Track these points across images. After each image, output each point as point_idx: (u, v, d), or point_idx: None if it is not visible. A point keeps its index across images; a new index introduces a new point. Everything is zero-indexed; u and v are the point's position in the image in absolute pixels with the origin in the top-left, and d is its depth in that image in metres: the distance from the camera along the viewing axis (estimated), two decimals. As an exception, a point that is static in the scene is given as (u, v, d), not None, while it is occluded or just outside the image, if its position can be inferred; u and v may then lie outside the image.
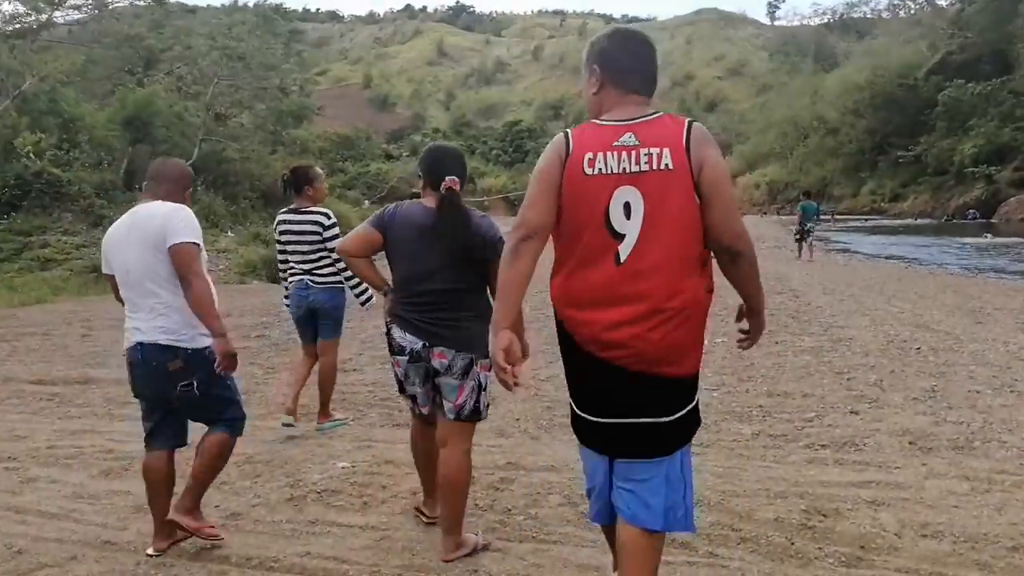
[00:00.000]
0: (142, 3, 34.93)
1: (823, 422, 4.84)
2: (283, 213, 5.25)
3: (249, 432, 4.90)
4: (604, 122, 2.45)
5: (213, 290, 3.37)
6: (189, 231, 3.32)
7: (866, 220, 45.20)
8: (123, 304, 3.45)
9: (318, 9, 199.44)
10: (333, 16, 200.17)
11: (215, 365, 3.32)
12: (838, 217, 44.81)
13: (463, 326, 3.18)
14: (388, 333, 3.32)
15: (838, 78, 62.38)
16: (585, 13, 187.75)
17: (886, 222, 42.30)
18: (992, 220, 37.32)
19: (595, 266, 2.37)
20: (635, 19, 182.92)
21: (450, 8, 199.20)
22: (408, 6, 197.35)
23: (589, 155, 2.37)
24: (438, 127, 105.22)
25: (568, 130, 2.47)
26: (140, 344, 3.34)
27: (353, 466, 4.47)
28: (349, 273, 5.00)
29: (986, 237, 27.96)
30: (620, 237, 2.34)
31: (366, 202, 51.41)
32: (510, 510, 3.72)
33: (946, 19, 55.22)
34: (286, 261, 5.26)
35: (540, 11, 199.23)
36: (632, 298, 2.32)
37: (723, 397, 5.53)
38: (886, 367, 6.23)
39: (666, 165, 2.31)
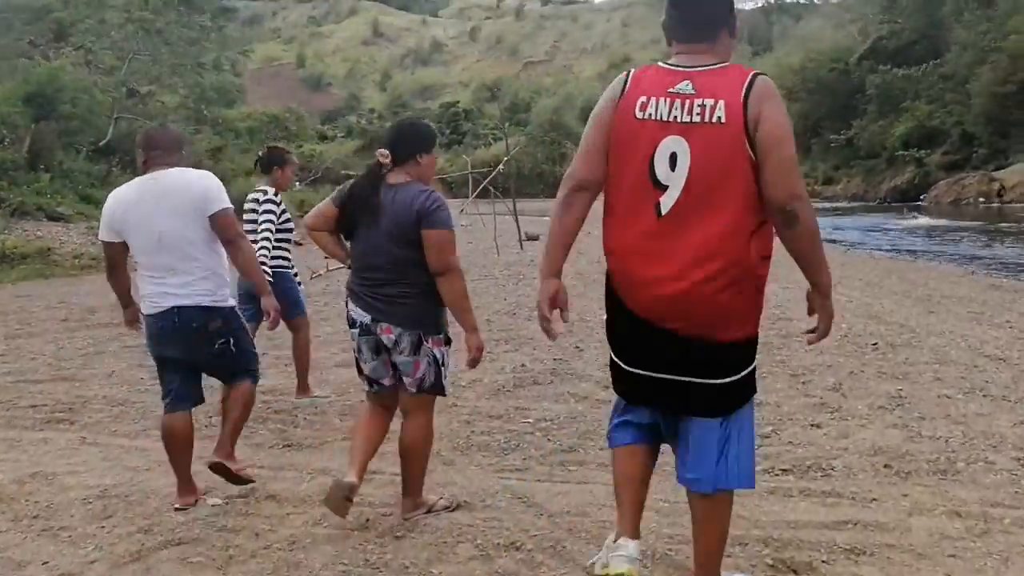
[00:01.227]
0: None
1: (781, 438, 4.20)
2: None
3: (117, 455, 4.45)
4: (666, 65, 2.39)
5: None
6: (226, 198, 3.55)
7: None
8: (112, 271, 3.74)
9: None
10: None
11: (269, 321, 3.86)
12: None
13: (407, 302, 3.17)
14: (346, 306, 3.37)
15: (772, 62, 62.73)
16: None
17: (821, 205, 42.57)
18: (921, 203, 37.76)
19: (635, 215, 2.32)
20: (573, 1, 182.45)
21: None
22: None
23: (642, 99, 2.32)
24: (373, 107, 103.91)
25: (632, 69, 2.43)
26: (177, 308, 3.48)
27: (225, 503, 3.68)
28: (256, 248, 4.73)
29: (915, 218, 28.17)
30: (663, 188, 2.28)
31: (297, 184, 49.81)
32: (407, 568, 2.97)
33: (877, 5, 55.96)
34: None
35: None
36: (671, 254, 2.26)
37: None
38: (844, 367, 5.64)
39: (718, 119, 2.23)
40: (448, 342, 3.35)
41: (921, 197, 38.41)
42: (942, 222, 27.00)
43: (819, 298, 2.36)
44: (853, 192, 46.43)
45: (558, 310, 2.51)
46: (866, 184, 46.14)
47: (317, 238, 3.42)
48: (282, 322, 4.58)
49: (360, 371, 3.42)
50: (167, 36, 28.32)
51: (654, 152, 2.29)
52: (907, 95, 44.40)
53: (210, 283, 3.53)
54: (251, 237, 4.76)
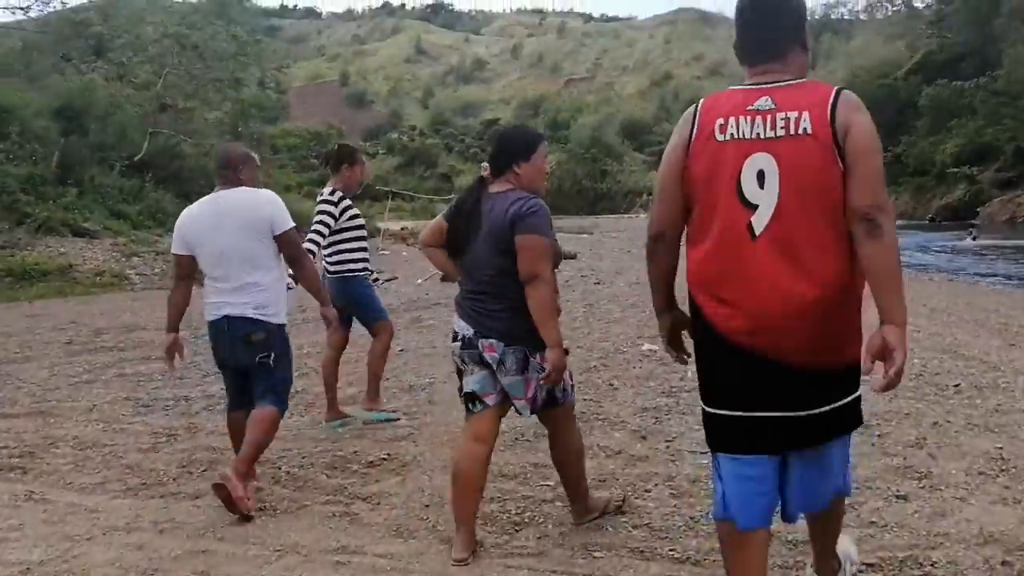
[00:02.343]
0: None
1: (861, 515, 3.36)
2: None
3: (61, 517, 3.83)
4: (740, 86, 2.34)
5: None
6: (289, 219, 3.84)
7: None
8: (177, 282, 4.04)
9: (295, 6, 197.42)
10: (310, 13, 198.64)
11: (286, 342, 3.98)
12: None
13: (506, 316, 3.07)
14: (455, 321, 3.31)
15: (818, 78, 61.38)
16: (565, 12, 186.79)
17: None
18: (975, 221, 36.31)
19: (728, 242, 2.24)
20: (614, 18, 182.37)
21: (428, 6, 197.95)
22: (386, 3, 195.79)
23: (720, 120, 2.26)
24: (415, 124, 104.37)
25: (699, 101, 2.37)
26: (228, 317, 3.80)
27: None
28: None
29: (970, 237, 26.87)
30: (752, 208, 2.20)
31: (335, 200, 49.70)
32: None
33: (924, 20, 54.63)
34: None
35: (519, 9, 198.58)
36: (774, 280, 2.17)
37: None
38: (925, 416, 4.78)
39: (804, 130, 2.16)
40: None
41: (975, 216, 37.00)
42: (999, 241, 25.74)
43: (894, 330, 2.08)
44: (902, 210, 45.04)
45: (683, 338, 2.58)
46: (915, 202, 44.79)
47: (431, 254, 3.42)
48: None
49: (461, 391, 3.27)
50: (203, 51, 28.08)
51: (740, 171, 2.21)
52: (959, 110, 42.97)
53: (260, 298, 3.81)
54: (334, 238, 4.97)
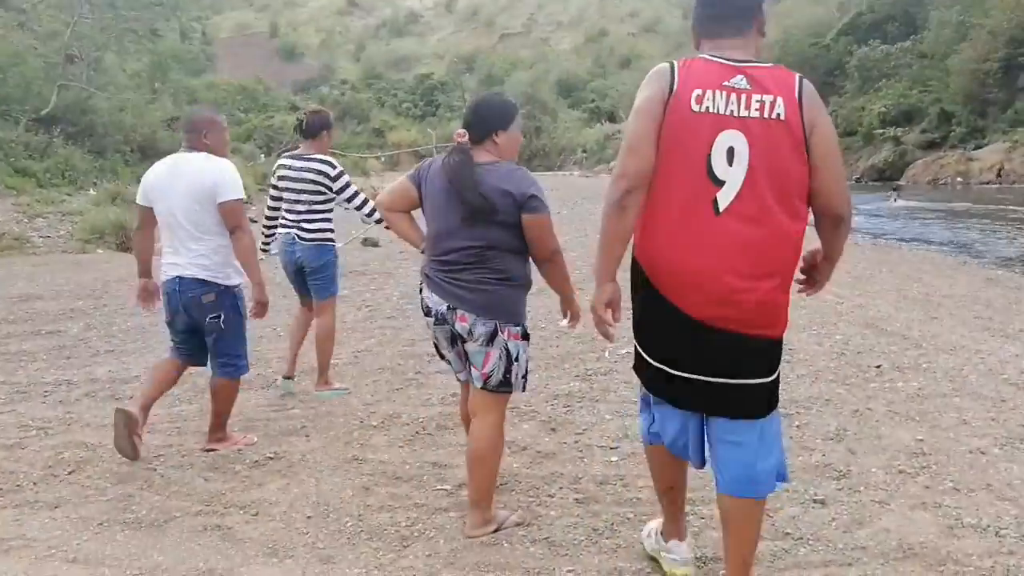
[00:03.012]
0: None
1: (776, 523, 3.13)
2: (286, 157, 5.07)
3: None
4: (713, 57, 2.35)
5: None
6: (237, 189, 3.91)
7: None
8: (138, 231, 4.21)
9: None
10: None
11: (249, 310, 4.07)
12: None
13: (487, 289, 3.00)
14: (420, 292, 3.22)
15: (750, 37, 61.67)
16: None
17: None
18: (900, 182, 37.01)
19: (692, 214, 2.28)
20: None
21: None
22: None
23: (698, 91, 2.28)
24: (347, 79, 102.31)
25: (674, 61, 2.36)
26: (179, 278, 3.92)
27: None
28: (368, 210, 4.96)
29: (893, 198, 27.29)
30: (720, 184, 2.25)
31: (262, 156, 48.09)
32: None
33: (855, -21, 55.21)
34: (277, 209, 5.08)
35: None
36: (731, 253, 2.25)
37: (579, 460, 3.82)
38: (846, 402, 4.59)
39: (778, 115, 2.25)
40: (526, 336, 3.15)
41: (901, 176, 37.74)
42: (922, 203, 26.20)
43: (828, 260, 2.53)
44: (830, 170, 45.68)
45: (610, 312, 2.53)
46: (844, 161, 45.35)
47: (393, 219, 3.28)
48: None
49: (441, 357, 3.33)
50: (115, 0, 26.64)
51: (712, 146, 2.25)
52: (886, 72, 43.59)
53: (210, 260, 3.91)
54: (296, 207, 4.91)
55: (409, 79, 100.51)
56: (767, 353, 2.40)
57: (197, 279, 3.92)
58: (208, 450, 4.12)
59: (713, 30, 2.42)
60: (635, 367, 2.61)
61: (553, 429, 4.28)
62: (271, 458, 4.01)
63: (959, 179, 34.72)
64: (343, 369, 5.67)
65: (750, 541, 2.49)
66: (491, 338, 3.02)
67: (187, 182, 3.87)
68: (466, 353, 3.11)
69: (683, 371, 2.39)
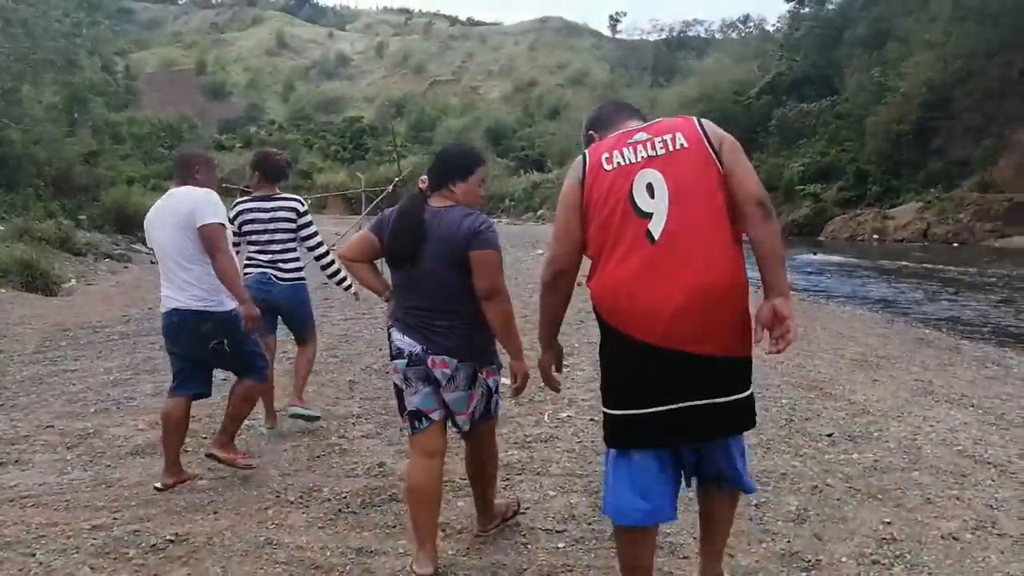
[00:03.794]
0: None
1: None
2: (247, 201, 5.07)
3: None
4: (612, 134, 2.69)
5: (237, 262, 4.21)
6: (215, 214, 3.99)
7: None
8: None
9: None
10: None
11: (241, 326, 4.05)
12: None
13: (459, 333, 3.07)
14: (389, 337, 3.24)
15: (676, 93, 63.28)
16: (431, 13, 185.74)
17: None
18: (820, 238, 37.98)
19: (630, 248, 2.45)
20: (480, 23, 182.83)
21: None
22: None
23: (605, 154, 2.57)
24: (275, 119, 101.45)
25: (584, 152, 2.67)
26: (176, 310, 4.05)
27: None
28: (328, 262, 5.20)
29: (815, 255, 27.88)
30: (647, 216, 2.45)
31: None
32: None
33: (775, 42, 57.12)
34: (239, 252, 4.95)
35: (386, 7, 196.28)
36: (676, 276, 2.39)
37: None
38: (804, 478, 4.30)
39: (681, 145, 2.50)
40: (499, 368, 3.28)
41: (820, 232, 38.75)
42: (842, 259, 26.83)
43: (784, 301, 2.45)
44: (752, 224, 46.68)
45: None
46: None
47: (356, 270, 3.38)
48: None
49: (402, 411, 3.24)
50: (32, 29, 25.58)
51: (631, 187, 2.48)
52: (805, 131, 45.00)
53: (199, 289, 4.00)
54: (269, 248, 5.00)
55: (338, 121, 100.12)
56: (737, 367, 2.52)
57: (192, 310, 4.01)
58: (209, 455, 4.23)
59: (613, 126, 2.79)
60: (611, 438, 2.60)
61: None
62: (171, 541, 3.49)
63: (875, 236, 35.79)
64: (258, 430, 5.18)
65: (728, 532, 2.86)
66: (472, 381, 3.12)
67: (171, 213, 4.02)
68: (447, 407, 3.15)
69: (671, 403, 2.45)
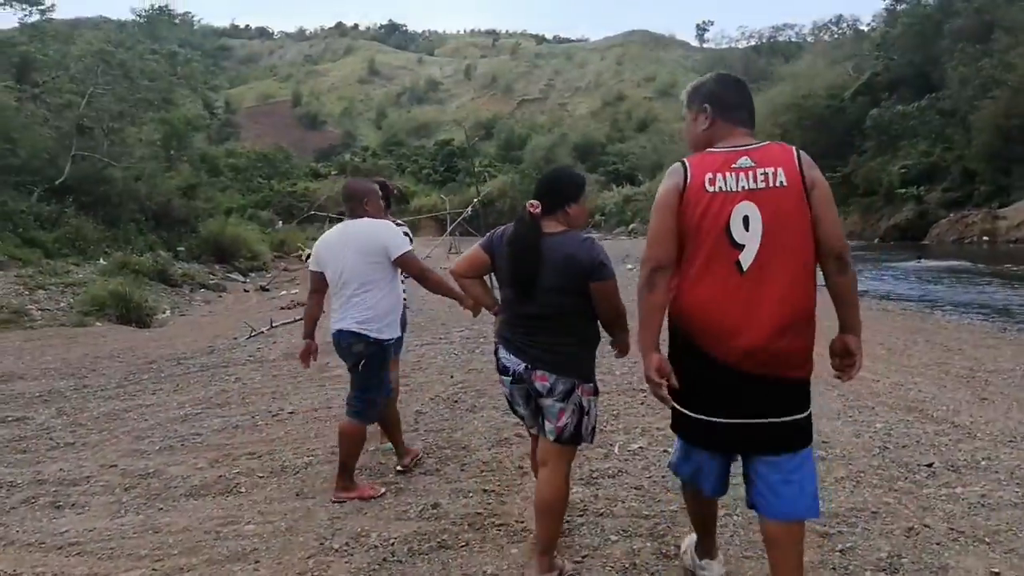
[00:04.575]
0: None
1: None
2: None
3: None
4: (718, 149, 2.72)
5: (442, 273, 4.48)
6: (405, 243, 4.46)
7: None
8: (311, 296, 4.66)
9: (247, 25, 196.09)
10: (262, 33, 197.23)
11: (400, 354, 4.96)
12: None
13: (565, 351, 3.19)
14: (496, 353, 3.39)
15: (766, 99, 61.77)
16: (518, 33, 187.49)
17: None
18: (924, 242, 36.22)
19: (719, 276, 2.61)
20: (567, 40, 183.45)
21: (382, 26, 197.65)
22: (339, 24, 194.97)
23: (709, 175, 2.64)
24: (368, 145, 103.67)
25: (684, 159, 2.72)
26: (340, 330, 4.42)
27: None
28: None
29: (920, 261, 26.46)
30: (740, 247, 2.59)
31: (280, 223, 48.06)
32: None
33: (870, 42, 55.13)
34: None
35: (473, 31, 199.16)
36: (759, 306, 2.57)
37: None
38: (897, 517, 3.85)
39: (781, 183, 2.61)
40: (596, 392, 3.32)
41: (924, 236, 37.01)
42: (949, 263, 25.41)
43: (854, 339, 2.75)
44: (850, 230, 45.01)
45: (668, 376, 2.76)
46: (864, 222, 44.82)
47: (467, 285, 3.55)
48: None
49: (514, 411, 3.48)
50: (129, 70, 26.71)
51: (729, 217, 2.59)
52: (903, 131, 43.12)
53: (365, 315, 4.37)
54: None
55: (429, 145, 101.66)
56: (800, 391, 2.71)
57: (351, 331, 4.36)
58: (335, 501, 4.37)
59: (741, 118, 2.82)
60: (673, 426, 2.90)
61: None
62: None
63: (985, 238, 33.96)
64: (317, 469, 5.02)
65: (800, 565, 2.76)
66: (567, 395, 3.19)
67: (357, 244, 4.36)
68: (540, 408, 3.26)
69: (726, 418, 2.67)
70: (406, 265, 4.42)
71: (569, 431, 3.21)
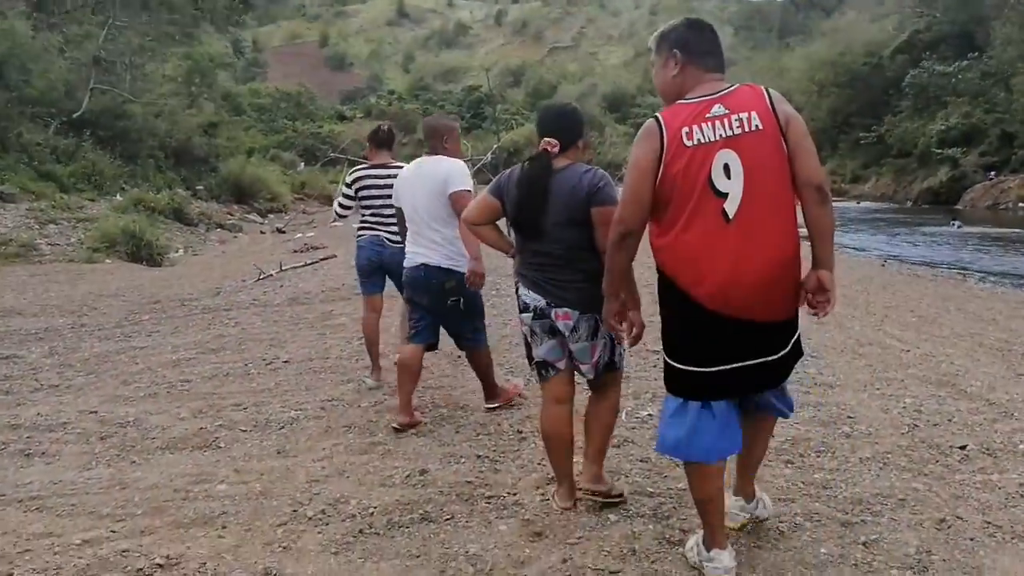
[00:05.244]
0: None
1: None
2: (363, 168, 5.56)
3: None
4: (691, 100, 2.71)
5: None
6: (464, 183, 4.45)
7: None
8: (400, 226, 4.83)
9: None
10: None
11: (466, 278, 4.36)
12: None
13: (581, 286, 3.19)
14: (516, 292, 3.44)
15: (803, 55, 60.26)
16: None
17: (849, 205, 40.10)
18: (957, 206, 35.25)
19: (706, 228, 2.61)
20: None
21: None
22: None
23: (686, 128, 2.63)
24: (395, 89, 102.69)
25: (657, 115, 2.71)
26: (424, 265, 4.48)
27: None
28: None
29: (954, 226, 25.68)
30: (723, 196, 2.60)
31: (302, 165, 47.59)
32: None
33: (913, -1, 53.49)
34: (348, 208, 5.67)
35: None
36: (748, 253, 2.59)
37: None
38: (927, 505, 3.47)
39: (756, 126, 2.63)
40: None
41: (958, 200, 36.05)
42: (984, 229, 24.70)
43: (828, 275, 2.71)
44: (882, 192, 44.19)
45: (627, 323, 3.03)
46: (896, 184, 43.87)
47: (480, 232, 3.58)
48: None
49: (531, 359, 3.48)
50: (149, 2, 26.19)
51: (711, 168, 2.60)
52: (945, 91, 41.77)
53: (447, 250, 4.45)
54: (382, 212, 5.38)
55: (457, 91, 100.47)
56: (789, 327, 2.79)
57: (441, 267, 4.43)
58: (490, 409, 4.78)
59: (711, 63, 2.80)
60: (672, 386, 2.84)
61: (538, 533, 3.25)
62: (160, 565, 3.02)
63: (1021, 204, 32.99)
64: (303, 424, 4.73)
65: (765, 447, 3.18)
66: (594, 332, 3.25)
67: (426, 179, 4.45)
68: (571, 354, 3.31)
69: (736, 362, 2.69)
70: (455, 201, 4.35)
71: (604, 362, 3.32)
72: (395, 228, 5.23)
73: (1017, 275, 14.38)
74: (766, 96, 2.67)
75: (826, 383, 5.48)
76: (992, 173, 36.92)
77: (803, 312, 2.78)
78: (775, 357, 2.74)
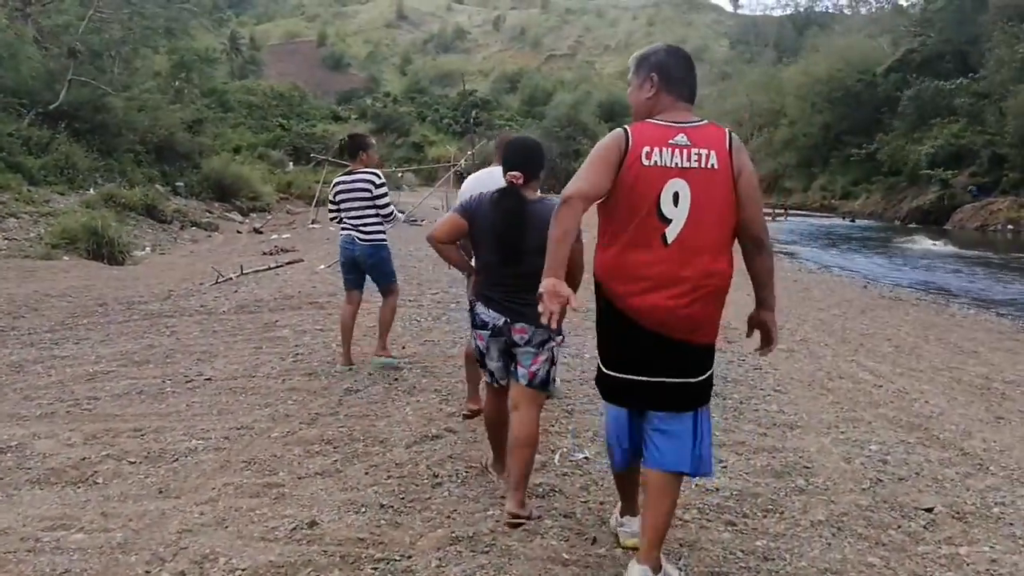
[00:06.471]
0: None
1: None
2: (340, 176, 6.22)
3: None
4: (659, 122, 2.82)
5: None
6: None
7: (819, 216, 43.20)
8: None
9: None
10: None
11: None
12: (790, 213, 42.90)
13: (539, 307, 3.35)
14: (472, 310, 3.65)
15: (798, 70, 60.00)
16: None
17: (836, 222, 39.84)
18: (946, 227, 34.98)
19: (645, 246, 2.75)
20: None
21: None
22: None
23: (647, 148, 2.74)
24: (390, 91, 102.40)
25: (626, 127, 2.81)
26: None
27: None
28: (388, 212, 6.14)
29: (940, 245, 25.40)
30: (667, 221, 2.73)
31: (291, 165, 47.01)
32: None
33: (908, 17, 53.22)
34: (340, 220, 6.20)
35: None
36: (678, 276, 2.73)
37: None
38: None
39: (712, 165, 2.74)
40: (563, 340, 3.67)
41: (947, 220, 35.77)
42: (969, 251, 24.37)
43: (771, 315, 3.00)
44: (871, 209, 43.99)
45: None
46: (885, 202, 43.69)
47: (443, 250, 3.76)
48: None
49: (483, 364, 3.69)
50: (128, -7, 25.69)
51: (661, 191, 2.72)
52: (938, 111, 41.53)
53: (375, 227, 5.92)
54: (354, 214, 6.06)
55: (452, 95, 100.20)
56: (703, 355, 2.87)
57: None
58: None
59: (684, 95, 2.89)
60: (596, 380, 3.05)
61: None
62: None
63: (1010, 226, 32.72)
64: (199, 457, 4.25)
65: (669, 512, 2.89)
66: (543, 344, 3.47)
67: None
68: (515, 358, 3.50)
69: (637, 375, 2.85)
70: None
71: (540, 377, 3.47)
72: (365, 227, 5.99)
73: (999, 301, 14.00)
74: (727, 139, 2.77)
75: (787, 423, 5.03)
76: (975, 189, 36.73)
77: (752, 345, 3.06)
78: (676, 381, 2.81)
